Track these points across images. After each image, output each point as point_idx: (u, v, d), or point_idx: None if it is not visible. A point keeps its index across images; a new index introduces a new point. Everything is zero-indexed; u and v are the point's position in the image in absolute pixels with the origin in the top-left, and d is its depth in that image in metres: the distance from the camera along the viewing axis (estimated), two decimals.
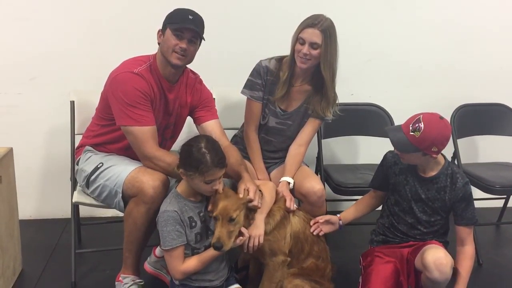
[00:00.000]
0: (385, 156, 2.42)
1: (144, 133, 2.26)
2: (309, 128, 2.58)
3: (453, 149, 3.11)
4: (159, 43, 2.36)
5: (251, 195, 2.15)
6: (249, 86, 2.56)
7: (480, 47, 3.42)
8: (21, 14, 2.98)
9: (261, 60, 2.55)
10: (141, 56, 2.40)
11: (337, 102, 2.56)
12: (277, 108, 2.56)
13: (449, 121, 3.09)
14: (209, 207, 2.14)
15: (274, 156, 2.68)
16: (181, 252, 2.13)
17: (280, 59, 2.53)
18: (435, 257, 2.10)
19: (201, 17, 2.33)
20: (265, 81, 2.53)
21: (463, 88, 3.42)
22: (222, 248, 2.04)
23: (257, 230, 2.18)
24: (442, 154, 2.28)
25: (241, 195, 2.15)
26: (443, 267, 2.08)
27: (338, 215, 2.48)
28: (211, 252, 2.13)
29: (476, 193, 3.16)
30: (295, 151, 2.57)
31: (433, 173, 2.26)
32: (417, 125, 2.12)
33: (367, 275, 2.33)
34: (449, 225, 2.35)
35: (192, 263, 2.14)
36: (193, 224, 2.15)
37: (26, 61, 3.05)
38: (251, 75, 2.56)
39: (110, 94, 2.30)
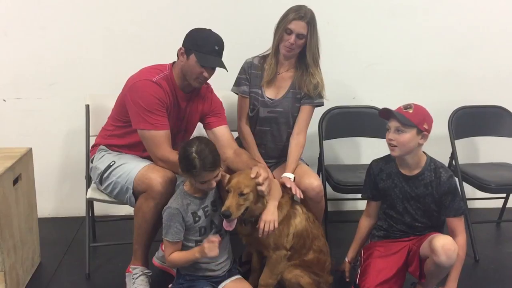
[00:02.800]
0: (370, 166, 2.54)
1: (160, 137, 2.39)
2: (303, 115, 2.69)
3: (451, 150, 3.20)
4: (179, 59, 2.44)
5: (260, 180, 2.24)
6: (237, 83, 2.73)
7: (478, 52, 3.46)
8: (41, 24, 3.14)
9: (246, 59, 2.72)
10: (158, 65, 2.52)
11: (317, 82, 2.66)
12: (265, 98, 2.68)
13: (447, 123, 3.22)
14: (225, 184, 2.27)
15: (275, 152, 2.79)
16: (177, 246, 2.26)
17: (263, 56, 2.70)
18: (444, 242, 2.20)
19: (223, 43, 2.42)
20: (249, 75, 2.69)
21: (461, 91, 3.47)
22: (230, 217, 2.16)
23: (272, 216, 2.28)
24: (424, 153, 2.40)
25: (252, 175, 2.24)
26: (450, 252, 2.19)
27: (346, 259, 2.63)
28: (192, 253, 2.23)
29: (476, 193, 3.27)
30: (294, 141, 2.67)
31: (417, 171, 2.37)
32: (408, 105, 2.32)
33: (366, 267, 2.44)
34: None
35: (175, 255, 2.24)
36: (197, 219, 2.27)
37: (46, 68, 3.20)
38: (238, 73, 2.73)
39: (129, 99, 2.42)
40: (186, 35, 2.44)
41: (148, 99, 2.37)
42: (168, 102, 2.45)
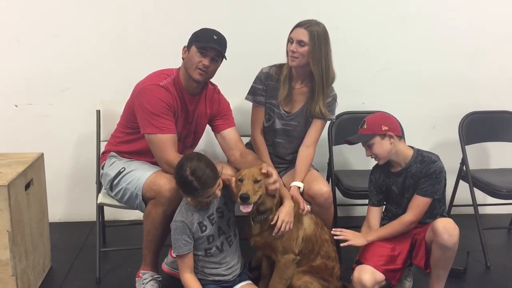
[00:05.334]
0: (372, 172, 2.63)
1: (165, 140, 2.40)
2: (314, 129, 2.70)
3: (461, 155, 3.19)
4: (183, 58, 2.50)
5: (271, 180, 2.25)
6: (252, 92, 2.72)
7: (488, 57, 3.45)
8: (53, 31, 3.18)
9: (262, 68, 2.72)
10: (166, 69, 2.54)
11: (330, 101, 2.68)
12: (281, 110, 2.70)
13: (458, 128, 3.21)
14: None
15: (284, 159, 2.80)
16: (189, 259, 2.28)
17: (280, 66, 2.69)
18: (445, 222, 2.30)
19: (224, 38, 2.47)
20: (265, 86, 2.69)
21: (472, 97, 3.46)
22: (249, 200, 2.15)
23: (290, 217, 2.30)
24: (411, 147, 2.51)
25: (263, 170, 2.26)
26: (452, 231, 2.27)
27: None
28: None
29: (487, 199, 3.25)
30: (303, 153, 2.68)
31: (403, 165, 2.47)
32: (362, 123, 2.49)
33: (364, 251, 2.46)
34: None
35: (192, 284, 2.27)
36: (203, 228, 2.28)
37: (57, 74, 3.23)
38: (254, 82, 2.72)
39: (136, 104, 2.45)
40: None
41: (155, 103, 2.39)
42: (176, 106, 2.47)
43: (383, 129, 2.42)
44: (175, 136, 2.45)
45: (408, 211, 2.44)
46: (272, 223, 2.28)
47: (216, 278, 2.35)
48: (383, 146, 2.43)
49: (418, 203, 2.42)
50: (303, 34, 2.51)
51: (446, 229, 2.26)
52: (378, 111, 3.20)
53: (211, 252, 2.33)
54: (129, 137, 2.60)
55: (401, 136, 2.49)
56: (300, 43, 2.52)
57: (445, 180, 2.48)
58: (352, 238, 2.45)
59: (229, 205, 2.41)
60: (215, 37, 2.42)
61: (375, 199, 2.58)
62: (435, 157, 2.44)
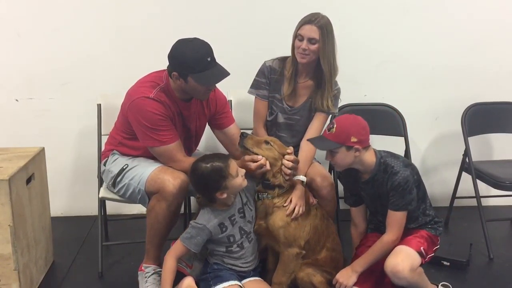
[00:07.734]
0: (340, 177, 2.59)
1: (171, 150, 2.40)
2: (316, 122, 2.67)
3: (464, 147, 3.17)
4: (174, 81, 2.37)
5: (290, 157, 2.38)
6: (255, 85, 2.70)
7: (491, 48, 3.42)
8: (54, 25, 3.16)
9: (265, 61, 2.69)
10: (153, 75, 2.47)
11: (335, 95, 2.66)
12: (284, 104, 2.68)
13: (460, 120, 3.18)
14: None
15: None
16: (185, 252, 2.30)
17: (283, 59, 2.66)
18: (392, 264, 2.24)
19: (211, 48, 2.33)
20: (269, 79, 2.66)
21: (474, 88, 3.43)
22: (244, 138, 2.34)
23: (302, 200, 2.38)
24: (375, 152, 2.36)
25: (289, 150, 2.41)
26: (399, 274, 2.22)
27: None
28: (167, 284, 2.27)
29: (490, 190, 3.23)
30: (306, 147, 2.65)
31: (370, 173, 2.36)
32: (331, 125, 2.29)
33: (359, 252, 2.45)
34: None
35: (168, 269, 2.27)
36: (224, 229, 2.30)
37: (58, 68, 3.22)
38: (256, 75, 2.70)
39: (132, 118, 2.41)
40: (172, 56, 2.34)
41: (150, 117, 2.35)
42: (171, 113, 2.43)
43: (351, 140, 2.23)
44: (179, 141, 2.44)
45: (387, 229, 2.33)
46: (285, 205, 2.33)
47: (233, 267, 2.39)
48: (345, 158, 2.28)
49: (395, 219, 2.31)
50: (314, 32, 2.47)
51: (393, 273, 2.22)
52: (379, 104, 3.26)
53: (232, 249, 2.36)
54: (129, 142, 2.57)
55: (369, 146, 2.32)
56: (311, 40, 2.48)
57: (418, 182, 2.34)
58: (344, 280, 2.35)
59: (251, 204, 2.43)
60: (208, 59, 2.31)
61: (351, 200, 2.53)
62: (398, 166, 2.29)
